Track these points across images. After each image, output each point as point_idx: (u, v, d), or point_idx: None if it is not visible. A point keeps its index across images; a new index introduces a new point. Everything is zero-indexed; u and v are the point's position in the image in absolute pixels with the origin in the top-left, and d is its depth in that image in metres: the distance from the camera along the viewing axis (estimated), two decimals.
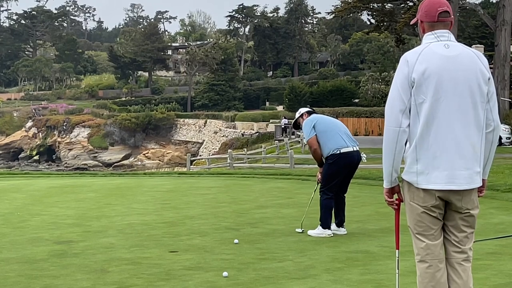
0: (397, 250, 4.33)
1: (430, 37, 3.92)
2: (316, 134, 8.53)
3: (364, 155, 8.88)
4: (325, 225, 8.45)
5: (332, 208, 8.53)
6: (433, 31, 3.92)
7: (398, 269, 4.41)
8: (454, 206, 3.87)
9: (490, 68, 46.95)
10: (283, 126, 54.28)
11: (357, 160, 8.61)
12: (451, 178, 3.79)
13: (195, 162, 41.84)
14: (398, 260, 4.37)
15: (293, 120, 9.46)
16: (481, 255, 7.03)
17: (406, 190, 3.93)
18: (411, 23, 4.33)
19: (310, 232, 8.54)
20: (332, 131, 8.55)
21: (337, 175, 8.48)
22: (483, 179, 3.98)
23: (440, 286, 3.87)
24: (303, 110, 9.18)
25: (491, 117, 3.92)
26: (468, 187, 3.82)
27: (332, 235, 8.43)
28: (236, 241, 7.91)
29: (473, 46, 69.46)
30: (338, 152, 8.42)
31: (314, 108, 9.70)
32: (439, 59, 3.81)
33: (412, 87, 3.80)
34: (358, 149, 8.61)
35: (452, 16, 3.95)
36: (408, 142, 3.88)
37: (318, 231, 8.48)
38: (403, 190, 3.99)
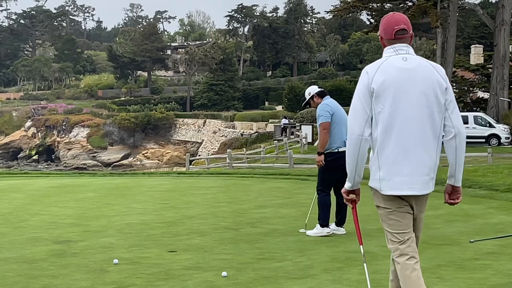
0: (361, 246, 4.43)
1: (390, 51, 4.13)
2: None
3: None
4: (324, 222, 8.46)
5: (329, 205, 8.53)
6: (392, 45, 4.14)
7: (365, 262, 4.52)
8: (413, 207, 4.11)
9: (490, 68, 47.06)
10: (282, 126, 54.26)
11: None
12: (411, 184, 4.01)
13: (194, 162, 41.82)
14: (364, 255, 4.47)
15: (305, 101, 9.02)
16: (480, 255, 7.04)
17: (375, 196, 4.19)
18: (378, 33, 4.43)
19: (308, 232, 8.53)
20: (340, 128, 8.50)
21: (334, 174, 8.50)
22: (457, 186, 4.19)
23: (420, 275, 4.04)
24: (313, 90, 8.90)
25: (451, 124, 4.07)
26: (425, 192, 4.07)
27: (330, 232, 8.44)
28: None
29: (472, 46, 69.50)
30: (337, 150, 8.45)
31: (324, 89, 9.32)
32: (396, 71, 4.02)
33: (372, 97, 4.01)
34: None
35: (411, 32, 4.16)
36: (371, 150, 4.09)
37: (316, 231, 8.48)
38: (373, 196, 4.21)
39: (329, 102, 8.71)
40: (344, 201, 4.35)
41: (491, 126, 39.26)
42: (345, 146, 8.48)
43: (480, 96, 52.96)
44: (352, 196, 4.29)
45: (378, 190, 4.10)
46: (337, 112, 8.61)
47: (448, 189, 4.21)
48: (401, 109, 3.98)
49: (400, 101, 3.98)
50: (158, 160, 75.74)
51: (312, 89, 8.95)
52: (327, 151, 8.50)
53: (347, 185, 4.25)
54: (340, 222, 8.70)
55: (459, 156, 4.12)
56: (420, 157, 4.01)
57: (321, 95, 8.83)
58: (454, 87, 52.56)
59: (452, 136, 4.08)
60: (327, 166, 8.48)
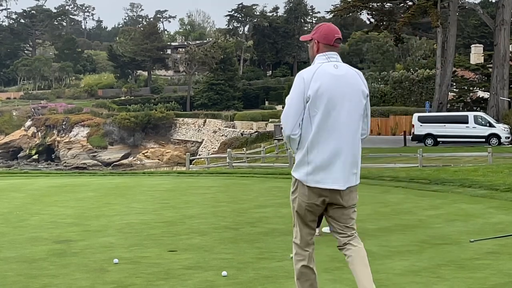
0: None
1: (322, 58, 4.58)
2: None
3: None
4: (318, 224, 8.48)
5: None
6: (325, 52, 4.59)
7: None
8: (338, 202, 4.53)
9: (490, 67, 47.05)
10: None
11: None
12: (336, 179, 4.47)
13: (194, 161, 41.82)
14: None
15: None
16: (480, 255, 7.04)
17: (294, 185, 4.59)
18: (301, 38, 4.86)
19: None
20: None
21: None
22: None
23: (310, 263, 4.71)
24: None
25: (365, 127, 4.68)
26: (350, 185, 4.53)
27: (318, 234, 8.46)
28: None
29: (472, 45, 69.49)
30: None
31: None
32: (330, 78, 4.48)
33: (307, 102, 4.45)
34: None
35: (341, 44, 4.73)
36: (300, 144, 4.54)
37: None
38: (292, 184, 4.63)
39: None
40: None
41: (491, 125, 39.26)
42: None
43: (480, 96, 52.98)
44: None
45: (303, 182, 4.50)
46: None
47: None
48: (333, 112, 4.46)
49: (332, 105, 4.46)
50: (158, 159, 75.73)
51: None
52: None
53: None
54: None
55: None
56: (346, 155, 4.49)
57: None
58: (454, 87, 52.64)
59: (363, 138, 4.67)
60: None
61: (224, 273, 6.21)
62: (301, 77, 4.51)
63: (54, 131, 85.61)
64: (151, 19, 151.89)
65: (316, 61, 4.59)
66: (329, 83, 4.46)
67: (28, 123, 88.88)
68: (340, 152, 4.47)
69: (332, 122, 4.45)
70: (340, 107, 4.47)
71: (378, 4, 49.13)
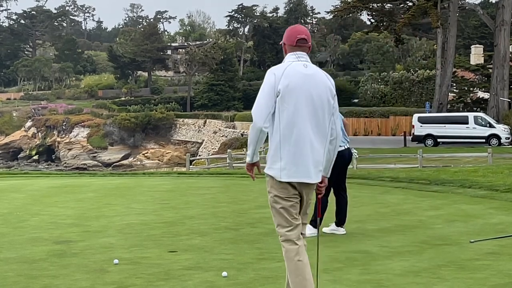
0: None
1: (292, 57, 4.75)
2: None
3: (356, 151, 8.96)
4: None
5: (326, 206, 8.57)
6: (294, 52, 4.76)
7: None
8: (305, 196, 4.73)
9: (490, 68, 47.11)
10: None
11: (348, 157, 8.78)
12: (306, 173, 4.63)
13: (194, 162, 41.82)
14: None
15: None
16: (480, 255, 7.04)
17: (270, 183, 4.72)
18: (281, 43, 4.95)
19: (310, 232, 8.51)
20: None
21: (333, 175, 8.51)
22: (325, 177, 4.89)
23: (303, 259, 4.63)
24: None
25: (334, 128, 4.79)
26: (317, 181, 4.74)
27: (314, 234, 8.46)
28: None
29: (473, 46, 69.47)
30: None
31: None
32: (299, 77, 4.64)
33: (277, 96, 4.59)
34: (348, 146, 8.76)
35: (310, 44, 4.80)
36: (269, 141, 4.67)
37: (310, 231, 8.46)
38: (267, 183, 4.74)
39: None
40: (247, 172, 4.89)
41: (491, 126, 39.28)
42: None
43: (480, 96, 52.99)
44: (253, 167, 4.81)
45: (277, 178, 4.64)
46: None
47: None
48: (302, 109, 4.60)
49: (301, 102, 4.60)
50: (158, 160, 75.69)
51: None
52: None
53: (248, 160, 4.82)
54: (340, 222, 8.70)
55: (334, 155, 4.84)
56: (314, 151, 4.65)
57: None
58: (455, 87, 52.66)
59: (334, 138, 4.78)
60: None
61: (224, 273, 6.21)
62: (272, 72, 4.66)
63: (54, 132, 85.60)
64: (151, 20, 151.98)
65: (286, 60, 4.76)
66: (299, 81, 4.61)
67: (28, 123, 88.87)
68: (310, 148, 4.62)
69: (301, 118, 4.60)
70: (308, 105, 4.62)
71: (378, 4, 49.18)
